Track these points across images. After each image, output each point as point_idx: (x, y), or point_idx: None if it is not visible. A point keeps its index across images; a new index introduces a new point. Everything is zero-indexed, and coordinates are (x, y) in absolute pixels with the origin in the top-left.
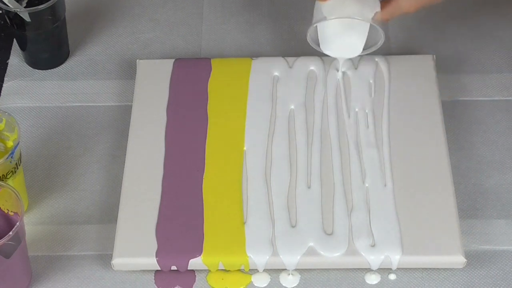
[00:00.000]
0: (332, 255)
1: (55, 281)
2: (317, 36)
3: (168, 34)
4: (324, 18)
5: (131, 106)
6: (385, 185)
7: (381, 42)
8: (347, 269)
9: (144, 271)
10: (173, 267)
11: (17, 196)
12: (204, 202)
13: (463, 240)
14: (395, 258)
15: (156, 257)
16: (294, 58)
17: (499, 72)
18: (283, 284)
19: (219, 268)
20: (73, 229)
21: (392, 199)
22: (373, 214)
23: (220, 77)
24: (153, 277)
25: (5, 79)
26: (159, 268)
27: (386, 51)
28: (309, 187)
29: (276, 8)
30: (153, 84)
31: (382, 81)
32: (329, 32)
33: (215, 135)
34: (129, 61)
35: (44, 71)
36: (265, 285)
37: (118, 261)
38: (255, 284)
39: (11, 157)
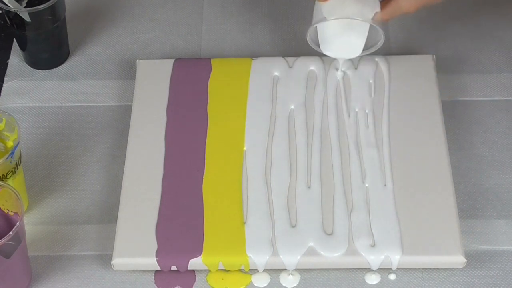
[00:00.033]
0: (332, 255)
1: (55, 281)
2: (317, 37)
3: (168, 34)
4: (324, 19)
5: (131, 106)
6: (385, 185)
7: (381, 42)
8: (347, 269)
9: (144, 271)
10: (173, 267)
11: (17, 196)
12: (204, 202)
13: (463, 240)
14: (395, 258)
15: (156, 257)
16: (294, 58)
17: (499, 72)
18: (283, 284)
19: (219, 268)
20: (73, 229)
21: (392, 199)
22: (373, 214)
23: (220, 77)
24: (153, 277)
25: (5, 79)
26: (159, 268)
27: (386, 51)
28: (309, 187)
29: (276, 8)
30: (153, 84)
31: (382, 81)
32: (329, 32)
33: (215, 135)
34: (129, 61)
35: (44, 71)
36: (265, 285)
37: (118, 261)
38: (255, 284)
39: (11, 157)
